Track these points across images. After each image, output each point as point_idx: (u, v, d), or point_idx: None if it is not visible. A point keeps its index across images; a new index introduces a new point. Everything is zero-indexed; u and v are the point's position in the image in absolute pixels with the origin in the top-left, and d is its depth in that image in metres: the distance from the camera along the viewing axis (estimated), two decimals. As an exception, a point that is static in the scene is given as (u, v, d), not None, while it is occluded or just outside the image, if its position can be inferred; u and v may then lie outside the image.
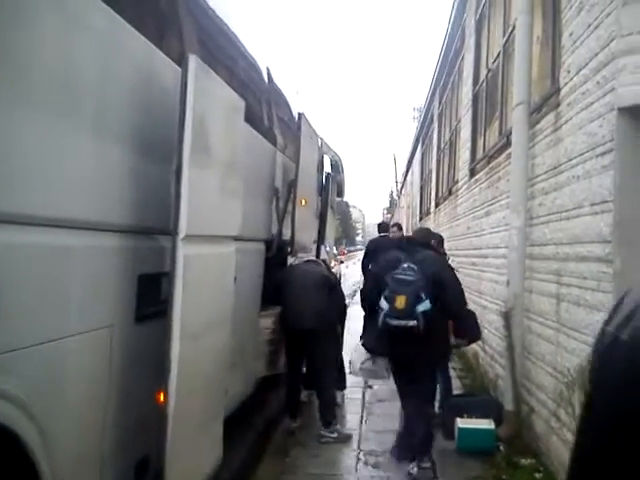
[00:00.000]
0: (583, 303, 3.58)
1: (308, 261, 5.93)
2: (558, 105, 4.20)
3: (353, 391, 6.50)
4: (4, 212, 1.91)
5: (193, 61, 2.74)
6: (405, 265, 4.19)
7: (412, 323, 4.00)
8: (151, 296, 2.96)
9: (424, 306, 4.02)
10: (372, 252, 8.46)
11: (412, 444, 4.40)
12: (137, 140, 2.79)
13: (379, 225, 10.48)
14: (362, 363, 5.01)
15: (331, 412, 5.25)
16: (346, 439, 5.13)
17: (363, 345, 5.24)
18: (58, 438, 2.24)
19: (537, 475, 4.18)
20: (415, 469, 4.29)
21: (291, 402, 5.50)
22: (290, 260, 6.25)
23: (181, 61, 2.87)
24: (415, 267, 4.17)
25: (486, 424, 4.80)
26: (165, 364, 2.73)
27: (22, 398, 1.98)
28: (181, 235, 2.76)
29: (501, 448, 4.64)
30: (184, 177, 2.74)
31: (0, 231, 1.89)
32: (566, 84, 4.03)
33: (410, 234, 5.38)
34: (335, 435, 5.11)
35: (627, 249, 3.12)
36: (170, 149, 2.95)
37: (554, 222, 4.23)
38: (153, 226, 3.01)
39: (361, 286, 5.16)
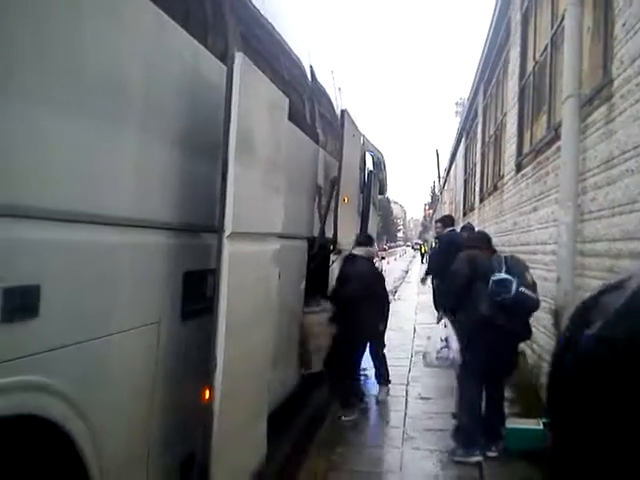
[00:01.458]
0: (638, 302, 3.45)
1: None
2: (611, 97, 4.06)
3: (396, 389, 6.48)
4: (51, 209, 1.93)
5: (239, 58, 2.74)
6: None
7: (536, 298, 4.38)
8: (197, 293, 2.97)
9: None
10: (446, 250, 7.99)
11: (486, 429, 4.63)
12: (183, 138, 2.80)
13: (444, 218, 9.41)
14: (438, 352, 5.03)
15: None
16: None
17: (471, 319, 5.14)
18: (106, 436, 2.26)
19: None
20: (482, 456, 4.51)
21: (346, 393, 5.71)
22: (332, 257, 6.22)
23: (226, 59, 2.87)
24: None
25: (535, 424, 4.69)
26: (211, 361, 2.75)
27: (70, 395, 2.00)
28: (227, 232, 2.76)
29: (550, 450, 4.52)
30: (230, 175, 2.74)
31: (48, 228, 1.92)
32: (619, 75, 3.89)
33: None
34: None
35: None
36: (215, 147, 2.96)
37: (606, 218, 4.09)
38: (199, 223, 3.02)
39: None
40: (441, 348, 5.29)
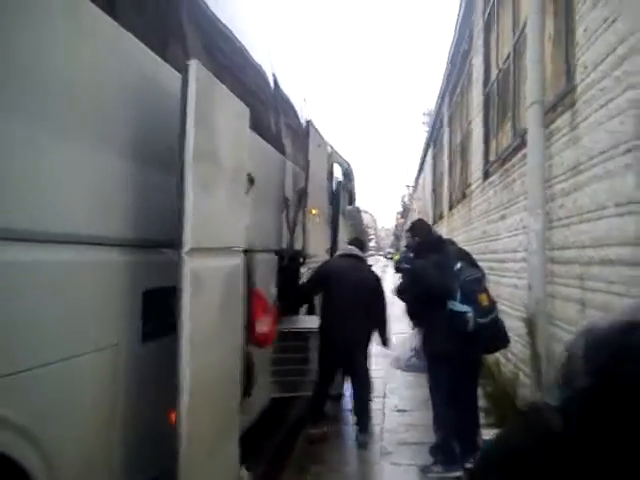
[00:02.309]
0: (611, 309, 3.41)
1: (350, 256, 5.82)
2: (574, 103, 4.05)
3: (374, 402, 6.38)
4: (2, 228, 1.81)
5: (194, 66, 2.64)
6: (460, 264, 4.44)
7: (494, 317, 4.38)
8: (157, 312, 2.84)
9: None
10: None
11: (462, 441, 4.55)
12: (139, 150, 2.68)
13: (415, 224, 9.44)
14: (408, 360, 5.00)
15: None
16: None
17: (432, 349, 5.05)
18: (63, 464, 2.13)
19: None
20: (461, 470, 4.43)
21: (316, 408, 5.49)
22: (303, 270, 6.13)
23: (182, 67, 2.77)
24: (466, 263, 4.52)
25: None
26: (175, 383, 2.62)
27: (24, 424, 1.88)
28: (185, 248, 2.64)
29: (527, 459, 4.47)
30: (186, 187, 2.63)
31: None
32: (582, 81, 3.88)
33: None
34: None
35: (656, 251, 2.96)
36: (174, 158, 2.85)
37: (575, 224, 4.07)
38: (158, 239, 2.90)
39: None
40: (410, 357, 5.28)
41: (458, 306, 4.28)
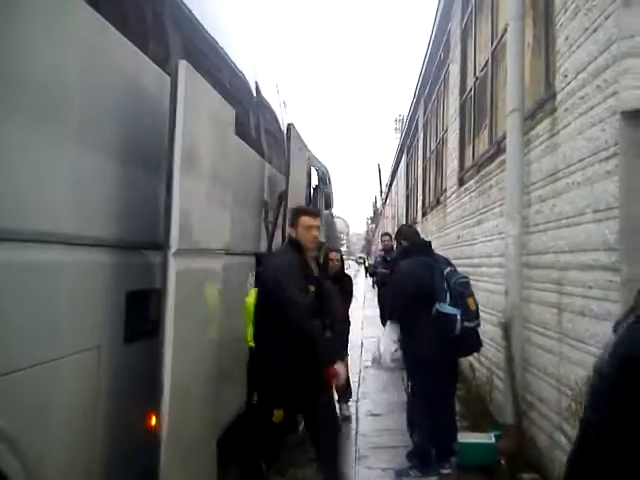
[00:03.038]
0: (588, 313, 3.47)
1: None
2: (554, 110, 4.12)
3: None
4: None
5: (183, 67, 2.62)
6: (449, 269, 4.53)
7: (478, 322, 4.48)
8: (140, 314, 2.81)
9: None
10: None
11: (438, 445, 4.59)
12: (125, 151, 2.65)
13: (401, 230, 9.47)
14: (392, 354, 4.99)
15: None
16: None
17: (418, 352, 5.03)
18: (42, 467, 2.09)
19: (540, 490, 4.07)
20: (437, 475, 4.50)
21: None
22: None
23: (170, 69, 2.75)
24: (453, 268, 4.63)
25: (486, 438, 4.69)
26: (157, 385, 2.60)
27: (3, 428, 1.84)
28: (173, 249, 2.62)
29: (502, 463, 4.52)
30: (175, 188, 2.61)
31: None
32: (563, 89, 3.95)
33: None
34: None
35: (635, 256, 3.02)
36: (159, 159, 2.82)
37: (553, 230, 4.13)
38: (142, 240, 2.87)
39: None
40: (395, 350, 5.27)
41: (447, 308, 4.31)
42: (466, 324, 4.29)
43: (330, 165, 11.06)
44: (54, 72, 2.12)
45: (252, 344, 4.07)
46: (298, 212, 4.01)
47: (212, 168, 3.18)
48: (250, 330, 4.12)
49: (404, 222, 20.15)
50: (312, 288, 3.71)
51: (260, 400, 3.99)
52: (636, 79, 3.01)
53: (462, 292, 4.37)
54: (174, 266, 2.63)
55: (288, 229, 3.99)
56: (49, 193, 2.13)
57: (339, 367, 3.64)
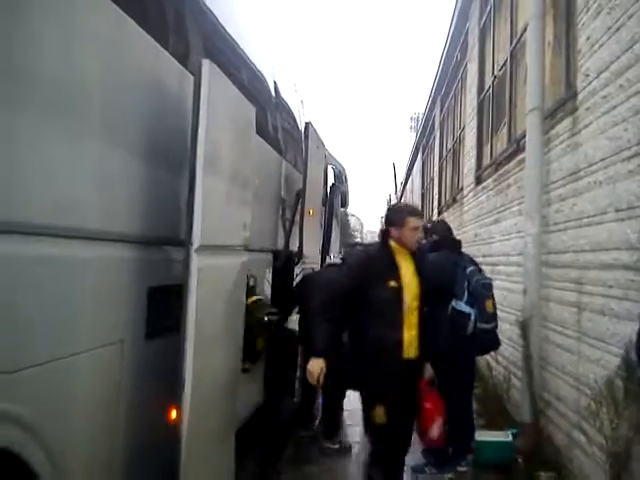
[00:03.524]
0: (608, 312, 3.46)
1: (330, 265, 5.75)
2: (576, 110, 4.10)
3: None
4: (6, 221, 1.78)
5: (207, 65, 2.64)
6: (472, 268, 4.52)
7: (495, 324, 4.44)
8: (162, 310, 2.84)
9: None
10: None
11: (455, 443, 4.55)
12: (148, 149, 2.68)
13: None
14: None
15: None
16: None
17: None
18: (67, 461, 2.12)
19: (558, 489, 4.06)
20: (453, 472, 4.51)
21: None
22: (297, 270, 6.13)
23: (193, 68, 2.77)
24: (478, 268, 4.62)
25: (503, 436, 4.68)
26: (178, 381, 2.62)
27: (28, 420, 1.86)
28: (195, 245, 2.64)
29: (519, 461, 4.51)
30: (197, 185, 2.63)
31: (1, 241, 1.77)
32: (584, 88, 3.93)
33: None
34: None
35: (657, 256, 3.01)
36: (181, 157, 2.85)
37: (573, 229, 4.12)
38: (164, 236, 2.90)
39: None
40: None
41: (462, 306, 4.31)
42: (481, 325, 4.28)
43: (345, 163, 11.06)
44: (80, 71, 2.15)
45: None
46: (406, 212, 3.72)
47: (233, 166, 3.20)
48: None
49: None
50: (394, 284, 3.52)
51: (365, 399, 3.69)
52: (660, 78, 2.99)
53: (482, 293, 4.36)
54: (196, 262, 2.65)
55: (393, 229, 3.62)
56: (74, 189, 2.16)
57: None
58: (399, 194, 36.01)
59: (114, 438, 2.48)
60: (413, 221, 3.61)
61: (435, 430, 3.70)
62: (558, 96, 4.74)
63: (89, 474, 2.31)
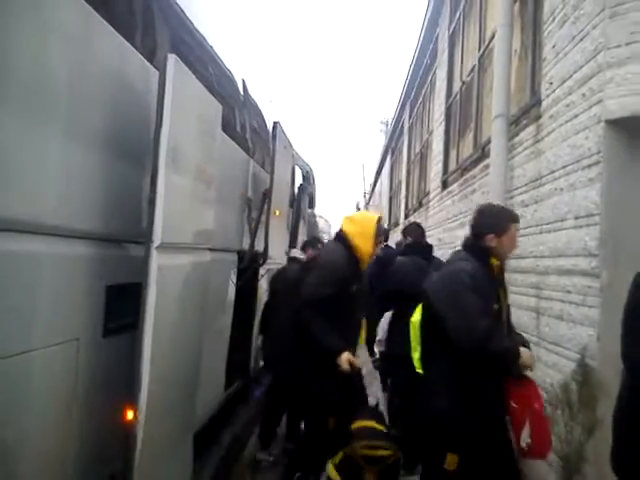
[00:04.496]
0: (566, 317, 3.52)
1: (293, 260, 5.60)
2: (539, 117, 4.16)
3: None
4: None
5: (172, 60, 2.60)
6: None
7: None
8: (120, 308, 2.79)
9: None
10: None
11: None
12: (109, 143, 2.63)
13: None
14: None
15: None
16: None
17: (392, 352, 4.93)
18: (17, 460, 2.08)
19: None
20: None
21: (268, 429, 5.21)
22: (262, 271, 6.10)
23: (159, 63, 2.72)
24: None
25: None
26: (135, 380, 2.57)
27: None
28: (156, 243, 2.60)
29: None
30: (160, 182, 2.59)
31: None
32: (548, 96, 3.99)
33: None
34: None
35: (614, 263, 3.07)
36: (143, 153, 2.80)
37: (533, 235, 4.17)
38: (123, 233, 2.85)
39: None
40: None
41: None
42: None
43: (314, 164, 11.08)
44: (39, 63, 2.10)
45: (420, 371, 3.33)
46: (510, 217, 3.14)
47: (197, 164, 3.16)
48: (417, 355, 3.36)
49: (387, 224, 20.20)
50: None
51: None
52: (620, 88, 3.05)
53: None
54: (157, 260, 2.61)
55: (490, 237, 3.03)
56: (29, 182, 2.10)
57: None
58: (368, 196, 36.19)
59: (67, 437, 2.42)
60: (516, 227, 3.13)
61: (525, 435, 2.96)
62: (523, 103, 4.81)
63: (39, 474, 2.25)
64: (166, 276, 2.74)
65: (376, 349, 5.98)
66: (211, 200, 3.56)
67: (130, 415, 2.64)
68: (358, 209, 59.02)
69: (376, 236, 3.62)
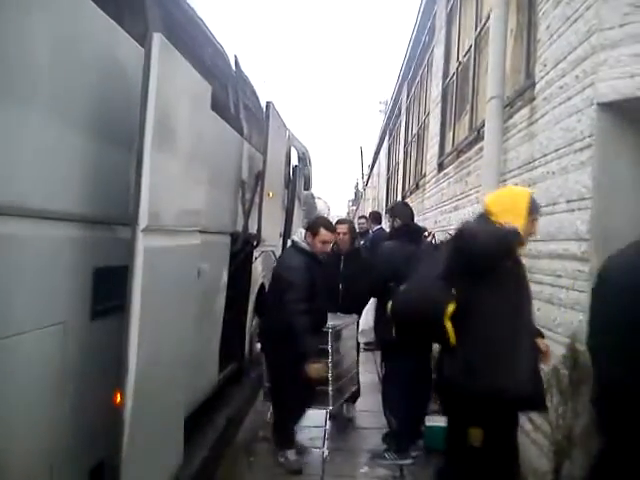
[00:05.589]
0: (556, 302, 3.51)
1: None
2: (533, 99, 4.12)
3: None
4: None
5: (157, 39, 2.55)
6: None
7: None
8: (108, 291, 2.78)
9: None
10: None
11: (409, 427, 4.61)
12: (95, 123, 2.60)
13: (373, 213, 9.51)
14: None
15: None
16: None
17: (384, 337, 4.67)
18: (4, 445, 2.08)
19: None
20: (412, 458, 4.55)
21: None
22: (256, 253, 6.09)
23: (144, 41, 2.68)
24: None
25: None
26: (122, 363, 2.57)
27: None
28: (141, 226, 2.58)
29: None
30: (145, 164, 2.56)
31: None
32: (542, 78, 3.94)
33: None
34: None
35: (604, 247, 3.03)
36: (132, 134, 2.77)
37: (526, 219, 4.15)
38: (113, 215, 2.83)
39: None
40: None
41: None
42: None
43: (313, 146, 11.02)
44: (22, 41, 2.07)
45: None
46: None
47: (186, 144, 3.13)
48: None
49: (384, 205, 20.13)
50: None
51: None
52: (613, 70, 3.01)
53: None
54: (143, 243, 2.59)
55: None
56: (13, 164, 2.08)
57: None
58: (366, 178, 36.06)
59: (53, 423, 2.42)
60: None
61: None
62: (518, 85, 4.75)
63: (26, 456, 2.26)
64: (153, 259, 2.72)
65: (360, 340, 5.95)
66: (201, 182, 3.53)
67: (117, 399, 2.64)
68: (357, 190, 58.88)
69: (530, 212, 2.98)
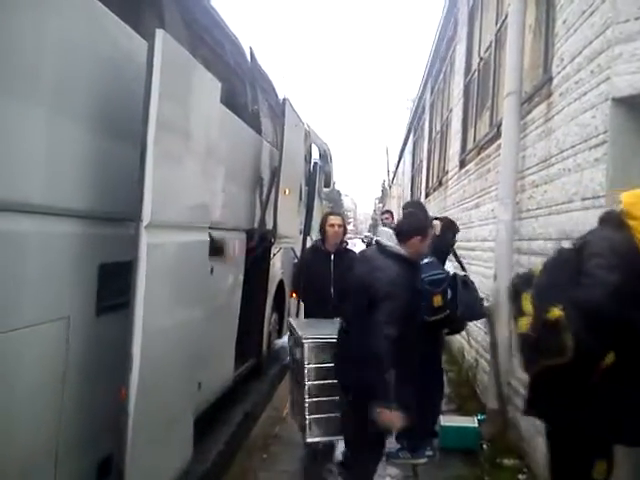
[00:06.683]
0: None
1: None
2: (550, 95, 4.04)
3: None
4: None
5: (160, 35, 2.55)
6: (426, 261, 4.09)
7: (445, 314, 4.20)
8: (114, 287, 2.79)
9: None
10: None
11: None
12: (100, 121, 2.61)
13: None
14: None
15: None
16: None
17: None
18: (8, 439, 2.11)
19: (521, 477, 4.06)
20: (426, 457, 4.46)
21: None
22: (274, 250, 6.07)
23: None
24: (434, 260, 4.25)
25: (470, 422, 4.68)
26: (126, 359, 2.57)
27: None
28: (145, 222, 2.58)
29: (485, 447, 4.52)
30: (148, 160, 2.56)
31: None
32: (559, 73, 3.86)
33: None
34: None
35: (618, 246, 2.97)
36: (137, 130, 2.78)
37: (543, 216, 4.07)
38: (119, 211, 2.84)
39: None
40: None
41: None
42: (427, 319, 4.05)
43: (341, 144, 11.00)
44: (27, 36, 2.09)
45: None
46: None
47: (193, 140, 3.12)
48: None
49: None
50: None
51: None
52: (629, 65, 2.93)
53: (428, 290, 4.05)
54: (146, 239, 2.59)
55: None
56: (20, 161, 2.10)
57: None
58: (392, 175, 35.93)
59: (57, 418, 2.44)
60: None
61: None
62: (536, 80, 4.67)
63: (32, 450, 2.28)
64: (157, 255, 2.72)
65: None
66: (211, 178, 3.52)
67: (122, 394, 2.65)
68: (384, 188, 58.69)
69: None
